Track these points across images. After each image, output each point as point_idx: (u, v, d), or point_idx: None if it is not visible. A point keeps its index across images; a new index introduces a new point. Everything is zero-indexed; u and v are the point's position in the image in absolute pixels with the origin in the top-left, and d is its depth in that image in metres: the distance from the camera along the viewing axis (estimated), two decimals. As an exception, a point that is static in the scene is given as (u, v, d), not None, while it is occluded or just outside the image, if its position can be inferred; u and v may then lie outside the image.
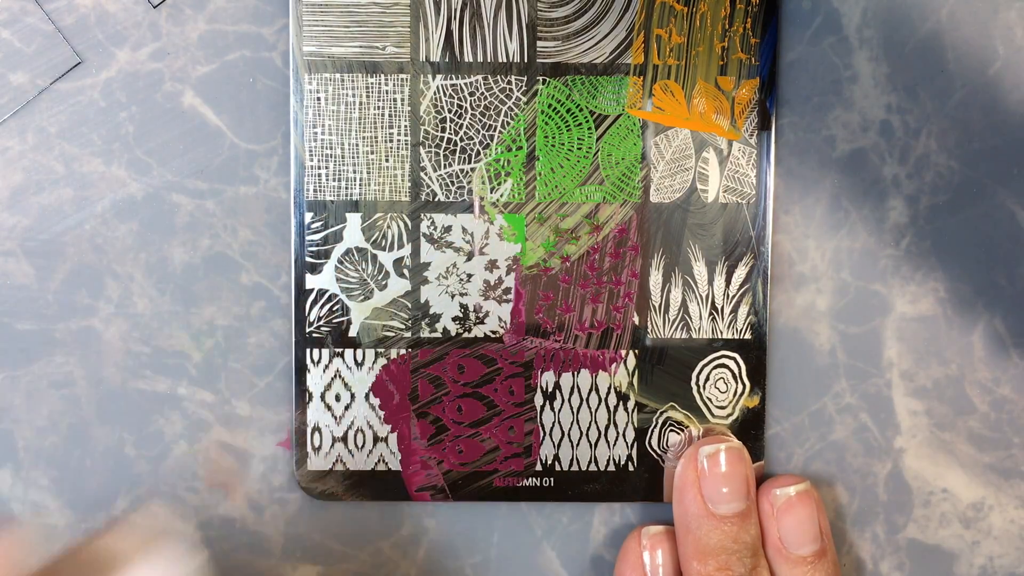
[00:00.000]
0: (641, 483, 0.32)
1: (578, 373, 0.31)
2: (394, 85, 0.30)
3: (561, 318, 0.31)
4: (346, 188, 0.31)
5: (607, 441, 0.31)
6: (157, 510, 0.32)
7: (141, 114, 0.31)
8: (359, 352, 0.31)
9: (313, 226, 0.31)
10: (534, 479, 0.31)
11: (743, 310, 0.31)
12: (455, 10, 0.30)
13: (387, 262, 0.31)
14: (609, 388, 0.31)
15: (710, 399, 0.31)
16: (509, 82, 0.31)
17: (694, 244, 0.31)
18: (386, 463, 0.31)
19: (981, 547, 0.32)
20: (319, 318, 0.31)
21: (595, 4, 0.30)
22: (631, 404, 0.31)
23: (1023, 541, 0.32)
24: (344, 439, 0.31)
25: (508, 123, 0.31)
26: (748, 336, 0.31)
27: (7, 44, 0.31)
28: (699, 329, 0.31)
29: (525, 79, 0.31)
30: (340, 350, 0.31)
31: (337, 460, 0.31)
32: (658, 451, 0.32)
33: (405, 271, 0.31)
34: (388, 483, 0.31)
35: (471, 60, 0.30)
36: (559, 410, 0.31)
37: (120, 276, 0.31)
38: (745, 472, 0.30)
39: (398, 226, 0.31)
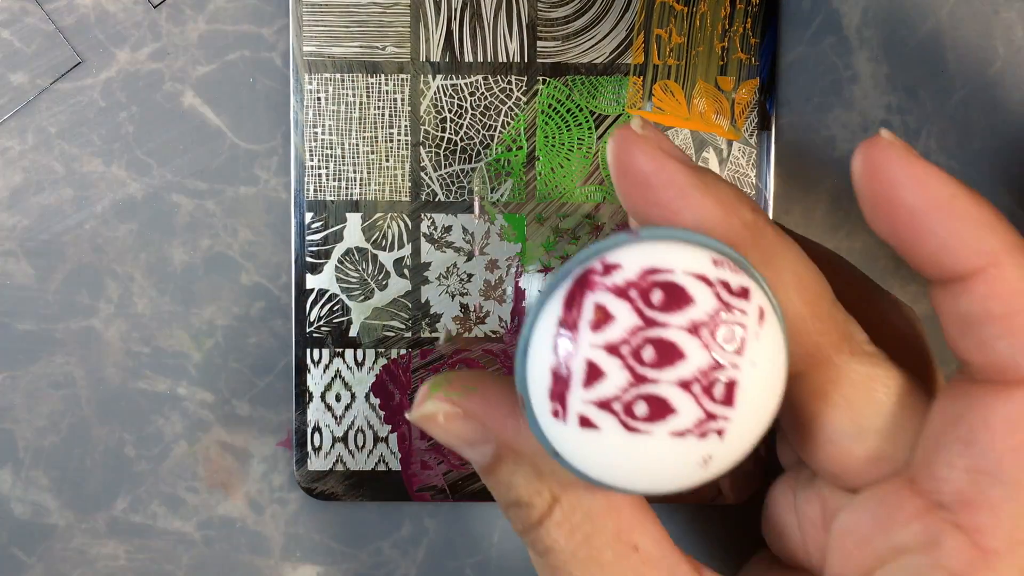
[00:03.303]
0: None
1: (578, 373, 0.31)
2: (394, 85, 0.30)
3: (561, 318, 0.31)
4: (346, 188, 0.31)
5: (607, 441, 0.31)
6: (157, 510, 0.32)
7: (141, 114, 0.31)
8: (359, 352, 0.31)
9: (313, 226, 0.31)
10: (534, 479, 0.31)
11: (743, 310, 0.31)
12: (455, 10, 0.30)
13: (387, 262, 0.31)
14: (609, 388, 0.31)
15: (710, 399, 0.31)
16: (509, 82, 0.31)
17: (694, 244, 0.31)
18: (386, 463, 0.31)
19: (981, 547, 0.32)
20: (319, 318, 0.31)
21: (595, 4, 0.30)
22: (631, 404, 0.31)
23: (1023, 541, 0.32)
24: (344, 439, 0.31)
25: (508, 123, 0.31)
26: (748, 336, 0.31)
27: (7, 44, 0.31)
28: (699, 329, 0.31)
29: (525, 79, 0.31)
30: (340, 350, 0.31)
31: (337, 460, 0.31)
32: (658, 451, 0.31)
33: (405, 271, 0.31)
34: (388, 483, 0.31)
35: (471, 60, 0.30)
36: (559, 410, 0.31)
37: (120, 276, 0.31)
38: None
39: (398, 226, 0.31)
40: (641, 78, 0.31)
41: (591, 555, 0.22)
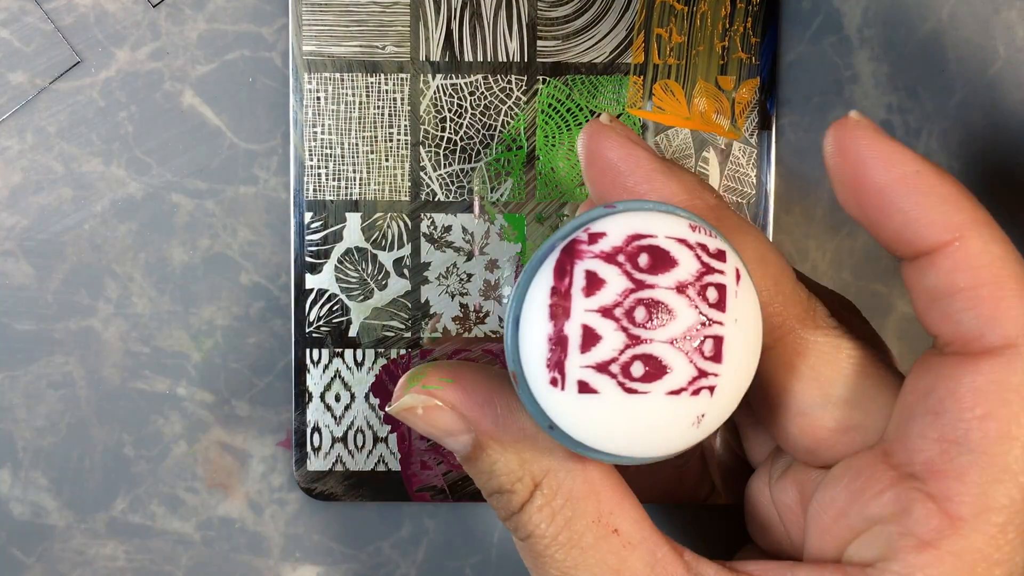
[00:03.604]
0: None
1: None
2: (394, 84, 0.30)
3: (561, 318, 0.31)
4: (346, 188, 0.31)
5: (607, 441, 0.31)
6: (156, 510, 0.32)
7: (140, 114, 0.31)
8: (359, 352, 0.31)
9: (313, 226, 0.31)
10: (534, 479, 0.31)
11: (743, 310, 0.31)
12: (455, 9, 0.30)
13: (387, 262, 0.31)
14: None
15: (710, 399, 0.31)
16: (509, 81, 0.30)
17: (694, 244, 0.31)
18: (386, 463, 0.31)
19: (982, 548, 0.32)
20: (319, 318, 0.31)
21: (595, 3, 0.30)
22: (631, 404, 0.31)
23: None
24: (344, 439, 0.31)
25: (508, 123, 0.31)
26: (748, 336, 0.31)
27: (6, 43, 0.31)
28: (699, 329, 0.31)
29: (525, 78, 0.31)
30: (340, 350, 0.31)
31: (337, 460, 0.31)
32: (658, 451, 0.31)
33: (405, 271, 0.31)
34: (388, 483, 0.31)
35: (471, 59, 0.30)
36: (559, 410, 0.31)
37: (119, 276, 0.31)
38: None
39: (398, 226, 0.31)
40: (641, 77, 0.31)
41: (572, 539, 0.22)
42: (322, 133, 0.30)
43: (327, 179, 0.30)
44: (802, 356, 0.23)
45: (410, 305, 0.31)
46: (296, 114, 0.30)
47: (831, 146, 0.22)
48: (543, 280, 0.20)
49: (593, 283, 0.20)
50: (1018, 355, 0.21)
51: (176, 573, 0.32)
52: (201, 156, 0.31)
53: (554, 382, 0.20)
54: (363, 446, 0.31)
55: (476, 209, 0.31)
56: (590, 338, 0.19)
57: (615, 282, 0.20)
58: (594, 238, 0.20)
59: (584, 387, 0.20)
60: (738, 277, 0.20)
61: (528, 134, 0.31)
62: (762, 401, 0.24)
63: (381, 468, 0.31)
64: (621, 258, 0.20)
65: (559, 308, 0.20)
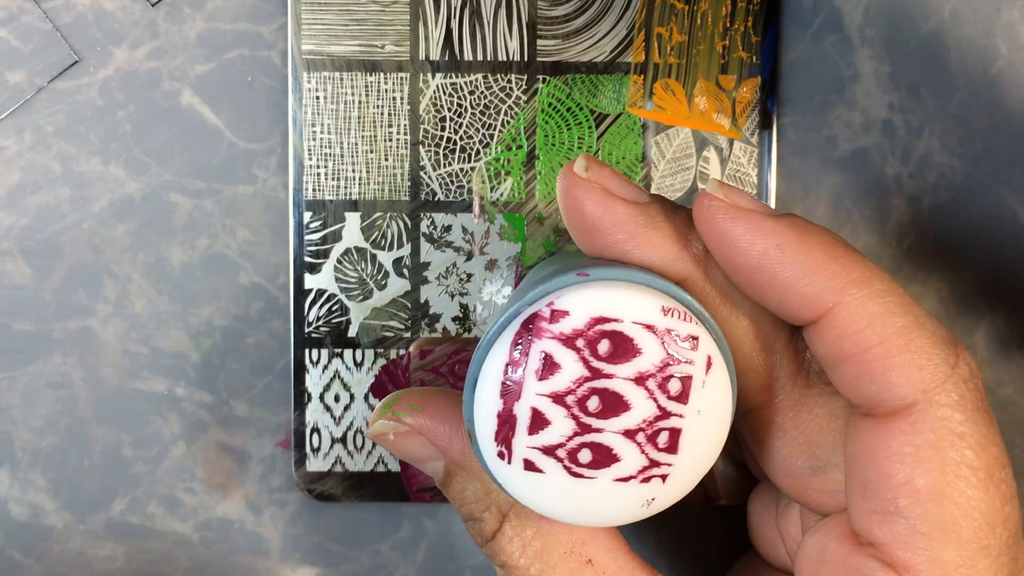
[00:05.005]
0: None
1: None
2: (393, 84, 0.30)
3: (561, 318, 0.31)
4: (345, 187, 0.30)
5: (608, 442, 0.31)
6: (155, 511, 0.32)
7: (139, 113, 0.31)
8: (358, 352, 0.31)
9: (312, 226, 0.31)
10: (534, 480, 0.31)
11: (744, 310, 0.31)
12: (455, 8, 0.30)
13: (386, 262, 0.31)
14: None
15: (711, 400, 0.31)
16: (509, 81, 0.30)
17: (695, 244, 0.31)
18: (385, 464, 0.31)
19: (984, 548, 0.32)
20: (318, 318, 0.31)
21: (595, 2, 0.30)
22: (632, 405, 0.31)
23: (1026, 542, 0.32)
24: (343, 440, 0.31)
25: (508, 122, 0.31)
26: (749, 336, 0.31)
27: (4, 43, 0.31)
28: (700, 329, 0.31)
29: (525, 78, 0.30)
30: (339, 350, 0.31)
31: (336, 461, 0.31)
32: (659, 452, 0.31)
33: (405, 271, 0.31)
34: (387, 484, 0.31)
35: (471, 59, 0.30)
36: (559, 411, 0.31)
37: (118, 276, 0.31)
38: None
39: (397, 225, 0.31)
40: (642, 76, 0.31)
41: (544, 570, 0.22)
42: (321, 132, 0.30)
43: (326, 179, 0.30)
44: (792, 419, 0.22)
45: (409, 305, 0.31)
46: (295, 113, 0.30)
47: (696, 224, 0.21)
48: (500, 352, 0.20)
49: (548, 366, 0.19)
50: (920, 413, 0.20)
51: (175, 574, 0.32)
52: (200, 156, 0.31)
53: (501, 455, 0.20)
54: (362, 447, 0.31)
55: (476, 209, 0.31)
56: (538, 421, 0.19)
57: (571, 368, 0.19)
58: (556, 316, 0.19)
59: (529, 465, 0.20)
60: (708, 365, 0.20)
61: (528, 133, 0.31)
62: (754, 459, 0.24)
63: (381, 469, 0.31)
64: (580, 343, 0.19)
65: (511, 386, 0.20)
